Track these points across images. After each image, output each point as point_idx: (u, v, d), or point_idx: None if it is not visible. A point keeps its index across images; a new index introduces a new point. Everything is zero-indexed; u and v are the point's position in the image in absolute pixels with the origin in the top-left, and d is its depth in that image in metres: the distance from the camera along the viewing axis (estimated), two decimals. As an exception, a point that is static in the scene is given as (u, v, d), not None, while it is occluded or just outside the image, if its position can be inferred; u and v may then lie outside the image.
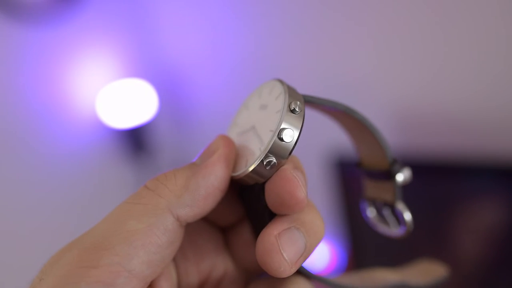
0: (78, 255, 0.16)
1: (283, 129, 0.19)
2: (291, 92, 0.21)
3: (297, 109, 0.20)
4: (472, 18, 0.60)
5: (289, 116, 0.20)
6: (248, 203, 0.21)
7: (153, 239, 0.17)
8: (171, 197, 0.18)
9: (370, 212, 0.25)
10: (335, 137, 0.81)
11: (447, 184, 0.59)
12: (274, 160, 0.19)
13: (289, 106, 0.20)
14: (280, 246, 0.17)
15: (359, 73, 0.72)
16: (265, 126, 0.20)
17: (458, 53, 0.63)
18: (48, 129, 0.82)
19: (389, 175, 0.24)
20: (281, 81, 0.22)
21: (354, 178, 0.64)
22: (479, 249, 0.60)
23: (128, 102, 0.87)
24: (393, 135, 0.72)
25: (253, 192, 0.20)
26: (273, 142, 0.19)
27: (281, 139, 0.19)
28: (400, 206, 0.25)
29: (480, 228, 0.59)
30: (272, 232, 0.18)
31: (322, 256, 0.84)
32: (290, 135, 0.19)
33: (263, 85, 0.23)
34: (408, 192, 0.63)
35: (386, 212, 0.25)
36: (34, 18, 0.77)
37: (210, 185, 0.18)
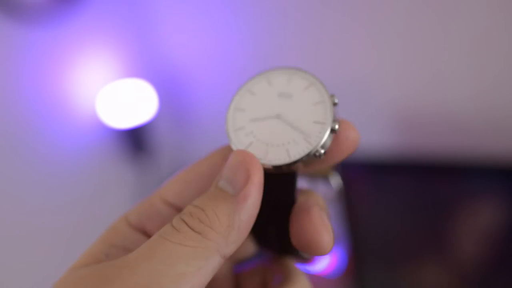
0: None
1: (336, 121, 0.20)
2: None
3: (336, 101, 0.20)
4: (473, 18, 0.60)
5: (333, 108, 0.20)
6: (269, 193, 0.20)
7: (201, 280, 0.17)
8: (219, 239, 0.17)
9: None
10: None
11: (447, 184, 0.59)
12: (322, 152, 0.19)
13: (331, 98, 0.20)
14: (329, 227, 0.20)
15: (360, 73, 0.72)
16: (303, 117, 0.20)
17: (459, 53, 0.63)
18: (48, 129, 0.82)
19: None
20: (304, 71, 0.22)
21: (354, 178, 0.64)
22: (479, 250, 0.60)
23: (128, 102, 0.87)
24: (393, 135, 0.72)
25: (282, 181, 0.20)
26: (327, 135, 0.19)
27: (334, 131, 0.20)
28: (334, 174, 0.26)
29: (480, 228, 0.59)
30: (319, 215, 0.19)
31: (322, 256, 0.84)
32: (337, 126, 0.20)
33: (270, 72, 0.22)
34: (408, 193, 0.62)
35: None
36: (34, 18, 0.77)
37: (251, 216, 0.18)
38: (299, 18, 0.74)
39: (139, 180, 0.98)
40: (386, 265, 0.68)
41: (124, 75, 0.92)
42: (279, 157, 0.19)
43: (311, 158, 0.19)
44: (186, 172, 0.21)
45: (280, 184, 0.20)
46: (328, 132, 0.19)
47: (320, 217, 0.19)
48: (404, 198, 0.62)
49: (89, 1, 0.85)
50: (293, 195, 0.20)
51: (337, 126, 0.20)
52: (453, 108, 0.66)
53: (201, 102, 0.97)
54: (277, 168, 0.19)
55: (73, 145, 0.86)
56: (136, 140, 0.91)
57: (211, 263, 0.17)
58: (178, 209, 0.21)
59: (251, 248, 0.23)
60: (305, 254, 0.22)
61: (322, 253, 0.19)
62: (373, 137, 0.75)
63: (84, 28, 0.85)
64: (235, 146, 0.20)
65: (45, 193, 0.82)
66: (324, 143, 0.19)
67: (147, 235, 0.20)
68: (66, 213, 0.86)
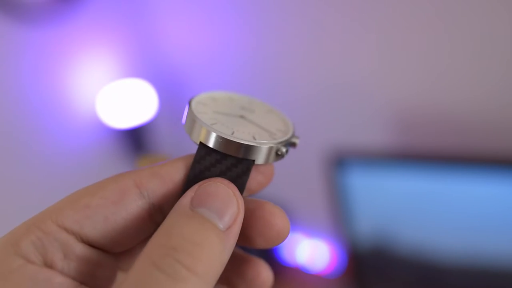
0: None
1: (297, 137, 0.21)
2: None
3: (296, 142, 0.22)
4: (473, 19, 0.60)
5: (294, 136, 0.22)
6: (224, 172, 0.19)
7: None
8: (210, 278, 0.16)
9: None
10: (335, 137, 0.81)
11: (447, 184, 0.59)
12: (284, 151, 0.20)
13: (293, 130, 0.22)
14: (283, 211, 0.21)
15: (360, 73, 0.72)
16: (267, 124, 0.21)
17: (459, 54, 0.63)
18: (48, 129, 0.82)
19: None
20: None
21: (354, 178, 0.64)
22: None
23: (128, 102, 0.87)
24: (393, 135, 0.72)
25: (239, 166, 0.19)
26: (290, 138, 0.20)
27: (294, 144, 0.21)
28: None
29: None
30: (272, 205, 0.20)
31: (322, 256, 0.84)
32: (297, 142, 0.21)
33: (228, 92, 0.23)
34: (408, 192, 0.62)
35: None
36: (34, 18, 0.77)
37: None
38: (300, 18, 0.74)
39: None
40: (386, 264, 0.68)
41: (124, 75, 0.92)
42: (245, 138, 0.19)
43: (272, 155, 0.19)
44: (87, 196, 0.19)
45: (235, 167, 0.19)
46: (290, 135, 0.20)
47: (274, 206, 0.19)
48: (403, 197, 0.62)
49: (89, 1, 0.85)
50: (243, 184, 0.19)
51: (297, 141, 0.21)
52: (453, 108, 0.66)
53: (201, 102, 0.97)
54: (241, 148, 0.18)
55: (73, 145, 0.86)
56: (136, 140, 0.91)
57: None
58: (78, 235, 0.18)
59: None
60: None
61: (284, 237, 0.19)
62: (374, 137, 0.75)
63: (84, 28, 0.85)
64: (200, 122, 0.19)
65: (45, 193, 0.82)
66: (287, 144, 0.20)
67: (52, 267, 0.17)
68: (66, 213, 0.86)
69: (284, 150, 0.19)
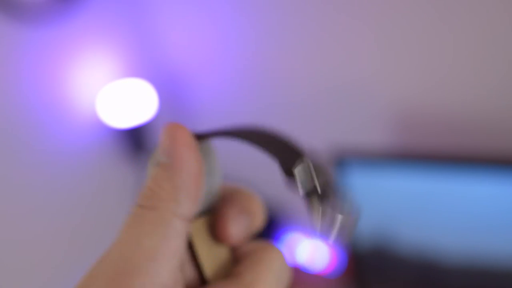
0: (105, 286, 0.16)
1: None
2: None
3: None
4: (475, 20, 0.60)
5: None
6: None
7: (173, 246, 0.17)
8: (169, 203, 0.18)
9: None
10: (335, 137, 0.81)
11: (448, 184, 0.59)
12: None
13: None
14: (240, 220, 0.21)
15: (361, 74, 0.72)
16: None
17: (459, 54, 0.63)
18: (48, 129, 0.82)
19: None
20: None
21: (354, 177, 0.64)
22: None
23: (128, 102, 0.87)
24: (394, 136, 0.72)
25: None
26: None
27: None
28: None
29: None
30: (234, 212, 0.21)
31: (322, 256, 0.84)
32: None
33: None
34: (408, 192, 0.62)
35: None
36: (34, 18, 0.77)
37: (193, 172, 0.18)
38: (301, 18, 0.74)
39: (139, 180, 0.98)
40: (385, 263, 0.68)
41: (124, 75, 0.92)
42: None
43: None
44: None
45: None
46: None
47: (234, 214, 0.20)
48: (404, 197, 0.62)
49: (89, 1, 0.85)
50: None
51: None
52: (453, 109, 0.66)
53: (201, 102, 0.97)
54: None
55: (73, 145, 0.86)
56: (136, 140, 0.91)
57: (172, 227, 0.17)
58: None
59: None
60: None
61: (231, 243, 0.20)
62: (374, 137, 0.75)
63: (84, 28, 0.85)
64: None
65: (45, 192, 0.82)
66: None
67: None
68: (66, 212, 0.86)
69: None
